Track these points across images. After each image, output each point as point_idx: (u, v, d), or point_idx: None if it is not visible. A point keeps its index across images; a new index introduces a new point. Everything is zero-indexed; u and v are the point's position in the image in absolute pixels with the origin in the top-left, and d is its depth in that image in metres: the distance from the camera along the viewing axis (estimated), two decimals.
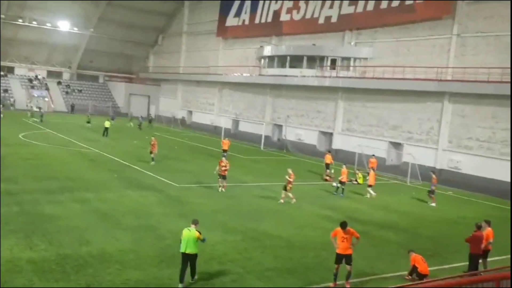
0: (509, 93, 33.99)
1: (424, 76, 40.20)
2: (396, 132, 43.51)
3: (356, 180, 31.93)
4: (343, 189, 27.43)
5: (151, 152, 32.54)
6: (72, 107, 73.62)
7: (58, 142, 40.15)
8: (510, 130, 34.25)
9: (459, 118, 38.84)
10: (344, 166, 28.41)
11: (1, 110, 54.43)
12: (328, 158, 34.63)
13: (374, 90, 44.63)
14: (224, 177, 25.65)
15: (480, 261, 15.52)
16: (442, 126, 39.71)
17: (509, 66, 34.29)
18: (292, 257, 15.92)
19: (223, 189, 25.57)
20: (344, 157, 41.33)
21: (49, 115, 62.36)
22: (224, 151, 38.03)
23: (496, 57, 36.19)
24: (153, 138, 33.73)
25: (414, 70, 40.96)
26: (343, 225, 13.80)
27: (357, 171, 33.79)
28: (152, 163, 31.89)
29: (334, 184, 29.11)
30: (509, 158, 34.79)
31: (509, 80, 33.94)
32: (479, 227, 15.57)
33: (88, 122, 53.95)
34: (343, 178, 27.62)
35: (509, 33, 35.40)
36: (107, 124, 47.26)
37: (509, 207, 27.41)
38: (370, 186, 28.04)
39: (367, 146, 40.64)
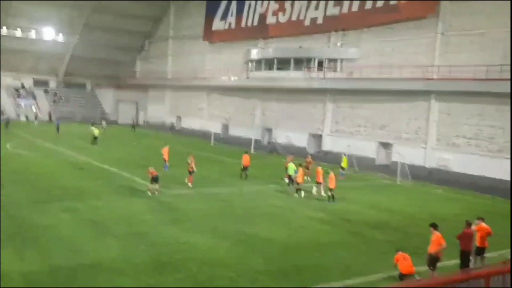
0: (494, 90, 34.35)
1: (411, 76, 40.46)
2: (385, 132, 43.72)
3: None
4: (333, 196, 26.03)
5: (190, 172, 28.41)
6: (50, 115, 72.35)
7: (46, 152, 39.81)
8: (510, 130, 34.38)
9: (446, 116, 39.12)
10: (319, 167, 28.17)
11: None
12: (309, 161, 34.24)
13: (362, 91, 44.85)
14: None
15: (479, 257, 15.64)
16: (430, 125, 39.98)
17: (493, 63, 34.64)
18: (284, 260, 15.91)
19: None
20: (333, 159, 41.51)
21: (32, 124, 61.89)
22: (245, 168, 32.15)
23: (481, 55, 36.54)
24: (191, 157, 29.41)
25: (400, 69, 41.22)
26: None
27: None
28: (190, 185, 28.33)
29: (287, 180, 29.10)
30: (496, 155, 35.14)
31: (495, 77, 34.28)
32: (469, 224, 15.68)
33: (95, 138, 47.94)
34: (319, 178, 27.32)
35: (492, 30, 35.81)
36: (95, 132, 46.48)
37: (499, 204, 27.67)
38: (318, 183, 27.56)
39: (357, 147, 40.81)
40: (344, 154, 37.58)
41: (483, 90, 35.38)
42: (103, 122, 60.14)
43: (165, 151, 33.78)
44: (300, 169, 27.49)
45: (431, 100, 39.92)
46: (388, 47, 44.09)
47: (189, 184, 27.82)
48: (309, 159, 34.33)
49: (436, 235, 14.58)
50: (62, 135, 51.93)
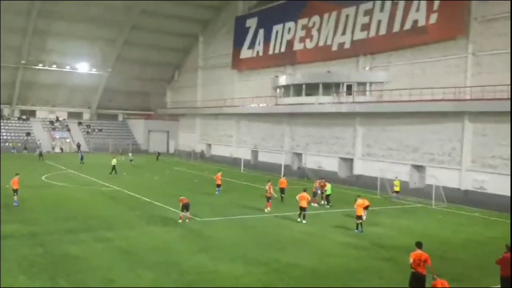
0: None
1: (442, 97, 39.89)
2: (418, 154, 43.00)
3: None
4: (361, 224, 24.57)
5: (268, 198, 29.77)
6: (78, 146, 73.44)
7: (79, 182, 40.49)
8: (511, 146, 33.49)
9: (480, 137, 38.30)
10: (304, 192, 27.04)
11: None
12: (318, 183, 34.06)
13: (392, 114, 44.41)
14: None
15: None
16: (464, 146, 39.18)
17: None
18: (317, 287, 15.57)
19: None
20: (365, 182, 40.95)
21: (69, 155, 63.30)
22: (281, 190, 33.55)
23: None
24: (269, 183, 30.55)
25: (431, 91, 40.70)
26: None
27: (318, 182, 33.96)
28: (267, 210, 29.47)
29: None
30: None
31: None
32: (509, 248, 15.09)
33: (131, 160, 55.78)
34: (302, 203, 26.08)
35: None
36: (113, 161, 46.86)
37: None
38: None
39: (389, 170, 40.21)
40: (396, 178, 37.48)
41: None
42: (130, 154, 60.95)
43: (218, 177, 36.43)
44: (303, 194, 26.73)
45: (464, 120, 39.19)
46: (417, 69, 43.71)
47: (267, 209, 29.24)
48: (323, 182, 33.87)
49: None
50: (91, 165, 52.80)
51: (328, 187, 32.88)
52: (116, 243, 20.51)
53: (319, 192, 33.25)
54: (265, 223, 26.08)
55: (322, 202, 32.83)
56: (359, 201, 25.21)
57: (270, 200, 29.64)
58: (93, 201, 31.37)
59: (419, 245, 14.62)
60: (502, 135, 36.74)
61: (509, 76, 35.94)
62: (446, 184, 36.31)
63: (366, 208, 26.51)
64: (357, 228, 24.51)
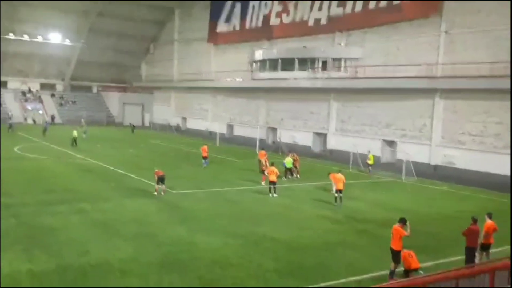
0: (499, 87, 34.35)
1: (415, 74, 40.51)
2: (390, 130, 43.80)
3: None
4: (340, 198, 24.78)
5: (263, 171, 30.71)
6: (52, 118, 72.80)
7: (53, 154, 40.15)
8: (510, 125, 34.39)
9: (451, 114, 39.16)
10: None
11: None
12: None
13: (366, 90, 44.94)
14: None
15: (484, 253, 15.73)
16: (435, 122, 40.04)
17: (498, 60, 34.65)
18: (292, 259, 16.01)
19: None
20: (338, 157, 41.65)
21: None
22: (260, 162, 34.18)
23: (485, 52, 36.52)
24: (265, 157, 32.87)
25: (405, 68, 41.26)
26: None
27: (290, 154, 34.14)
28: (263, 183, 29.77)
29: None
30: (502, 151, 35.15)
31: (500, 74, 34.27)
32: (475, 221, 15.74)
33: (85, 132, 53.88)
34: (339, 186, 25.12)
35: (496, 28, 35.83)
36: (74, 133, 46.06)
37: (505, 200, 27.68)
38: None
39: (362, 145, 40.92)
40: (369, 152, 38.56)
41: (488, 87, 35.39)
42: (82, 120, 61.04)
43: (204, 149, 36.89)
44: (272, 168, 27.05)
45: (435, 97, 39.96)
46: (392, 46, 44.15)
47: (263, 182, 29.44)
48: (295, 156, 34.01)
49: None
50: (65, 138, 52.26)
51: (288, 160, 32.51)
52: (92, 215, 20.60)
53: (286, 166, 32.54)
54: (242, 196, 26.43)
55: (296, 175, 33.05)
56: (341, 175, 25.36)
57: (265, 174, 29.18)
58: (68, 173, 31.24)
59: (403, 220, 14.80)
60: (472, 112, 37.65)
61: (480, 54, 36.65)
62: (416, 159, 37.18)
63: None
64: (336, 201, 24.87)
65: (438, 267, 14.75)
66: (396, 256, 14.36)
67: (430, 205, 26.23)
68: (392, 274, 14.30)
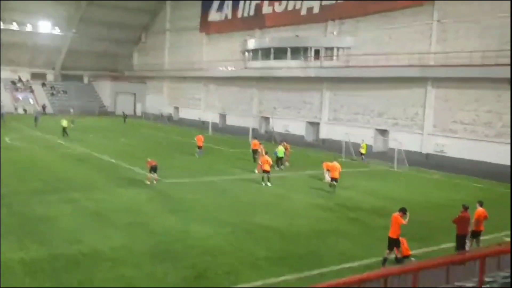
0: (491, 75, 34.48)
1: (407, 63, 40.55)
2: (382, 119, 43.91)
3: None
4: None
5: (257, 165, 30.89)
6: (43, 108, 72.32)
7: (45, 144, 39.94)
8: (510, 115, 34.47)
9: (442, 103, 39.29)
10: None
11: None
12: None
13: (359, 79, 44.97)
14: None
15: (474, 240, 15.85)
16: (427, 111, 40.17)
17: (490, 49, 34.75)
18: (284, 247, 16.08)
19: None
20: (331, 146, 41.72)
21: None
22: (254, 152, 34.01)
23: (477, 41, 36.61)
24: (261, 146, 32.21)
25: (397, 57, 41.29)
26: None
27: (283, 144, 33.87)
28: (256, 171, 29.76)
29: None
30: (493, 140, 35.37)
31: (491, 63, 34.38)
32: (466, 208, 15.85)
33: (72, 122, 53.33)
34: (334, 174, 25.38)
35: (488, 17, 35.89)
36: (64, 123, 45.53)
37: (497, 188, 27.91)
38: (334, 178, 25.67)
39: (354, 134, 41.01)
40: (363, 141, 38.68)
41: (480, 76, 35.53)
42: (71, 110, 60.56)
43: (199, 138, 36.68)
44: (265, 157, 27.24)
45: (427, 86, 40.06)
46: (384, 35, 44.14)
47: (256, 171, 29.40)
48: (286, 145, 33.75)
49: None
50: (56, 128, 51.97)
51: (280, 149, 32.23)
52: (84, 204, 20.56)
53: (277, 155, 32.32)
54: (234, 185, 26.47)
55: (287, 164, 32.88)
56: (337, 164, 25.61)
57: (259, 162, 28.84)
58: (60, 163, 31.16)
59: (403, 210, 14.92)
60: (464, 101, 37.78)
61: (472, 43, 36.73)
62: (408, 147, 37.32)
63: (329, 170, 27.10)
64: (330, 187, 25.14)
65: (430, 254, 14.89)
66: (392, 243, 14.44)
67: (422, 194, 26.36)
68: (385, 261, 14.40)
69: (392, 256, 14.51)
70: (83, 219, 18.37)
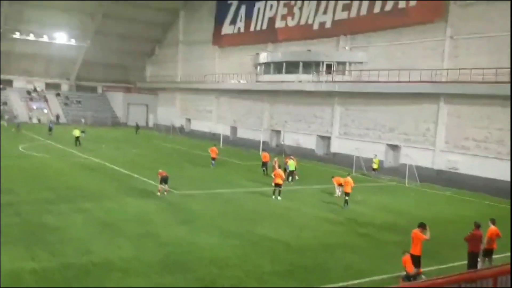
0: (503, 93, 34.29)
1: (419, 79, 40.48)
2: (393, 134, 43.77)
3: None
4: (347, 201, 25.09)
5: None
6: (57, 117, 73.08)
7: (57, 153, 40.27)
8: (511, 131, 34.34)
9: (455, 119, 39.10)
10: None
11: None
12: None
13: (370, 94, 44.95)
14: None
15: (487, 259, 15.71)
16: (439, 127, 39.99)
17: (502, 66, 34.60)
18: (291, 260, 16.06)
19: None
20: (341, 160, 41.60)
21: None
22: (264, 164, 34.80)
23: (489, 58, 36.50)
24: (276, 160, 31.90)
25: (409, 72, 41.24)
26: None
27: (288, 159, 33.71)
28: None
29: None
30: (505, 157, 35.06)
31: (503, 80, 34.23)
32: (478, 226, 15.73)
33: (83, 132, 53.51)
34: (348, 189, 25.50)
35: (500, 34, 35.82)
36: (76, 132, 46.12)
37: (508, 206, 27.62)
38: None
39: (365, 149, 40.94)
40: (376, 156, 38.73)
41: (492, 93, 35.37)
42: (82, 120, 60.88)
43: (213, 150, 37.61)
44: (278, 170, 27.36)
45: (440, 103, 39.91)
46: (396, 50, 44.16)
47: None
48: (293, 159, 33.81)
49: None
50: (69, 137, 52.42)
51: (291, 163, 32.46)
52: (94, 214, 20.68)
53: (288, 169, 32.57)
54: (243, 197, 26.50)
55: (296, 178, 32.80)
56: (349, 179, 25.69)
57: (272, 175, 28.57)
58: (72, 173, 31.36)
59: (422, 225, 14.84)
60: (476, 118, 37.58)
61: (484, 60, 36.62)
62: (419, 163, 37.14)
63: (340, 185, 27.11)
64: (344, 205, 24.93)
65: (441, 272, 14.76)
66: (416, 260, 14.23)
67: (433, 210, 26.18)
68: (408, 278, 14.15)
69: (402, 273, 14.40)
70: (94, 229, 18.47)
